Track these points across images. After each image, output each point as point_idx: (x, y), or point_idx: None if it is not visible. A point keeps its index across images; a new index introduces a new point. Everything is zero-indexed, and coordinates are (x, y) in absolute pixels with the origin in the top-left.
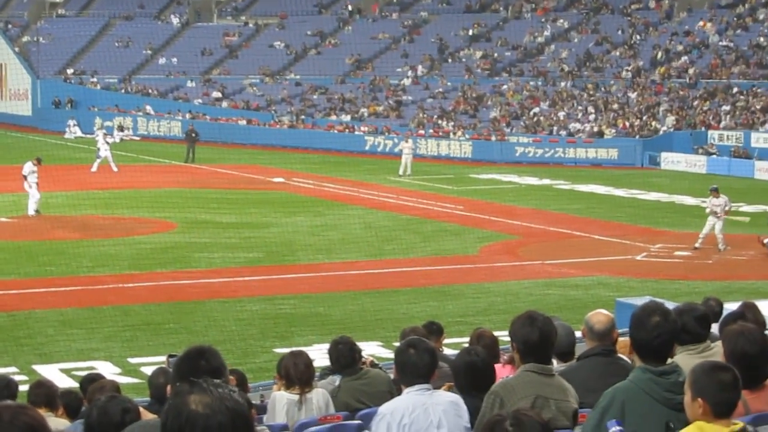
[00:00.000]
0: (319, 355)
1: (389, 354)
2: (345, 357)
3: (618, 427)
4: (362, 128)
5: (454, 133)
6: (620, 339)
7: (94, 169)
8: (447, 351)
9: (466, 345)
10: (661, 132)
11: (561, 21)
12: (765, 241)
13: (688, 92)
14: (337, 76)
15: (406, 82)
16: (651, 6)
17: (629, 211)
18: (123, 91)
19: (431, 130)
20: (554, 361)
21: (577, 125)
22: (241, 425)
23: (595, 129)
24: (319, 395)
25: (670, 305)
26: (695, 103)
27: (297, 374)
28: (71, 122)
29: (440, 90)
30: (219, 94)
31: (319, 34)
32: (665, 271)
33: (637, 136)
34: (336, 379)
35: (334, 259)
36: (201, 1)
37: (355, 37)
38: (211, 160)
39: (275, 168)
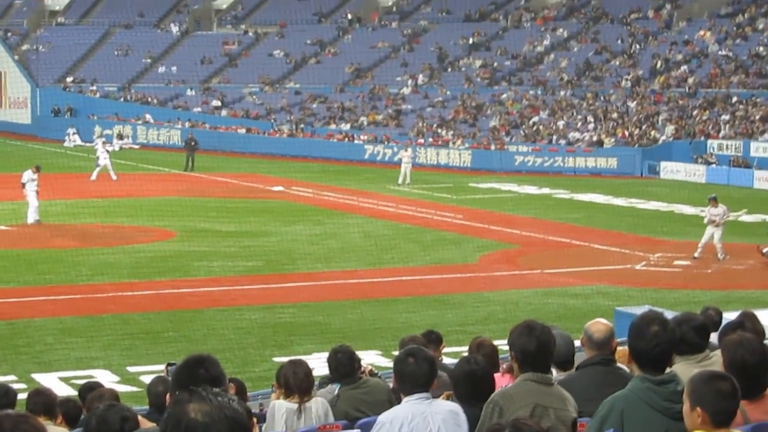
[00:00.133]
0: (319, 364)
1: (388, 363)
2: (344, 366)
3: None
4: (362, 137)
5: (454, 142)
6: (619, 348)
7: (93, 177)
8: (446, 360)
9: (466, 354)
10: (660, 141)
11: (560, 30)
12: (764, 250)
13: (687, 101)
14: (337, 85)
15: (406, 91)
16: (650, 15)
17: (628, 221)
18: (122, 99)
19: (431, 139)
20: (553, 370)
21: (577, 134)
22: None
23: (595, 138)
24: (319, 404)
25: (669, 314)
26: (695, 112)
27: (296, 383)
28: (71, 131)
29: (440, 99)
30: (218, 103)
31: (318, 43)
32: (664, 281)
33: (637, 146)
34: (335, 388)
35: (333, 268)
36: (200, 9)
37: (355, 46)
38: (211, 169)
39: (275, 177)
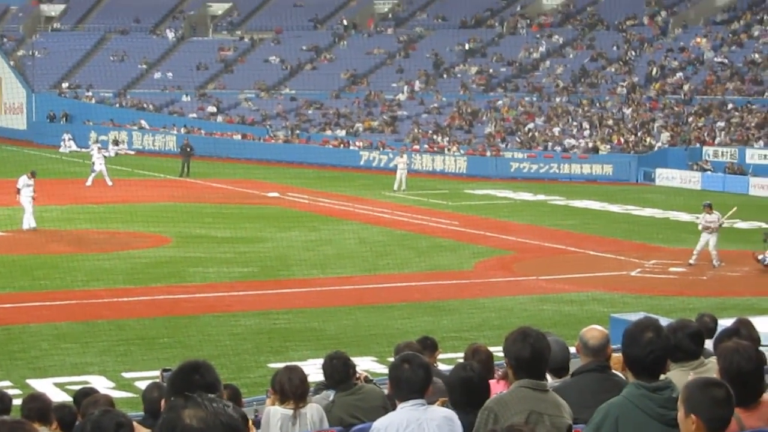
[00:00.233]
0: (314, 370)
1: (383, 369)
2: (339, 372)
3: None
4: (357, 143)
5: (449, 149)
6: (614, 355)
7: (88, 183)
8: (441, 366)
9: (461, 360)
10: (656, 148)
11: (556, 37)
12: (759, 257)
13: (683, 108)
14: (332, 91)
15: (401, 97)
16: (646, 22)
17: (624, 227)
18: (118, 105)
19: (426, 146)
20: (548, 377)
21: (572, 141)
22: None
23: (590, 145)
24: (314, 410)
25: (664, 321)
26: (690, 119)
27: (291, 389)
28: (66, 136)
29: (435, 105)
30: (214, 109)
31: (314, 49)
32: (660, 287)
33: (632, 152)
34: (330, 394)
35: (328, 274)
36: (196, 15)
37: (351, 52)
38: (206, 175)
39: (270, 183)
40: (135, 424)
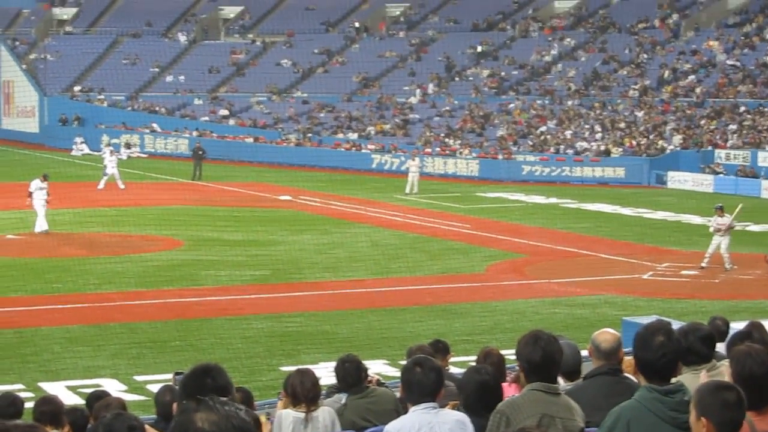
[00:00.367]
0: (326, 373)
1: (395, 372)
2: (351, 375)
3: None
4: (369, 146)
5: (461, 152)
6: (626, 358)
7: (101, 186)
8: (453, 369)
9: (473, 363)
10: (667, 151)
11: (568, 40)
12: None
13: (695, 111)
14: (344, 95)
15: (413, 100)
16: (657, 25)
17: (636, 230)
18: (130, 108)
19: (438, 149)
20: (560, 380)
21: (584, 144)
22: None
23: (602, 148)
24: (326, 413)
25: (676, 324)
26: (702, 122)
27: (303, 392)
28: (78, 139)
29: (447, 108)
30: (226, 112)
31: (326, 52)
32: (672, 290)
33: (644, 155)
34: (342, 398)
35: (340, 277)
36: (208, 18)
37: (362, 55)
38: (218, 178)
39: (282, 186)
40: (147, 427)
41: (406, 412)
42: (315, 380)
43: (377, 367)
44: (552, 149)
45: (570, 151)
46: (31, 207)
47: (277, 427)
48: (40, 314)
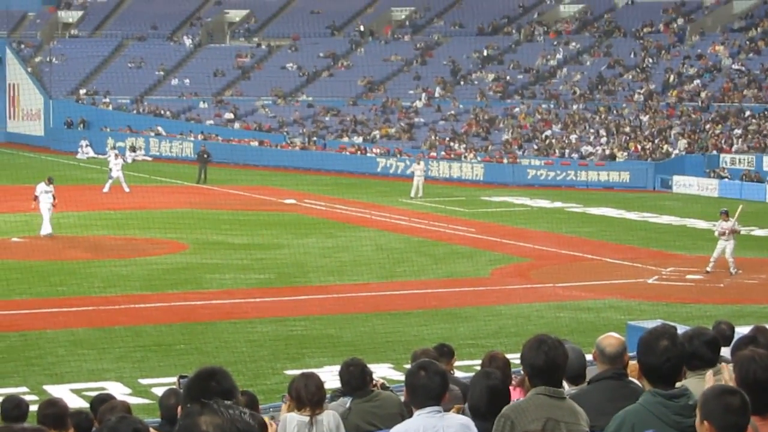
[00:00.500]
0: (330, 377)
1: (400, 376)
2: (356, 379)
3: None
4: (374, 150)
5: (466, 156)
6: (631, 363)
7: (106, 189)
8: (458, 373)
9: (478, 368)
10: (673, 155)
11: (573, 44)
12: None
13: (700, 116)
14: (350, 98)
15: (419, 104)
16: (663, 30)
17: (641, 234)
18: (135, 111)
19: (443, 153)
20: (565, 385)
21: (589, 148)
22: None
23: (607, 152)
24: (330, 417)
25: (681, 329)
26: (707, 126)
27: (308, 396)
28: (83, 143)
29: (452, 112)
30: (231, 116)
31: (331, 56)
32: (677, 295)
33: (649, 159)
34: (347, 401)
35: (345, 281)
36: (213, 22)
37: (368, 59)
38: (223, 181)
39: (287, 189)
40: (152, 430)
41: (410, 416)
42: (319, 384)
43: (382, 371)
44: (557, 153)
45: (575, 156)
46: (37, 210)
47: (281, 431)
48: (45, 317)
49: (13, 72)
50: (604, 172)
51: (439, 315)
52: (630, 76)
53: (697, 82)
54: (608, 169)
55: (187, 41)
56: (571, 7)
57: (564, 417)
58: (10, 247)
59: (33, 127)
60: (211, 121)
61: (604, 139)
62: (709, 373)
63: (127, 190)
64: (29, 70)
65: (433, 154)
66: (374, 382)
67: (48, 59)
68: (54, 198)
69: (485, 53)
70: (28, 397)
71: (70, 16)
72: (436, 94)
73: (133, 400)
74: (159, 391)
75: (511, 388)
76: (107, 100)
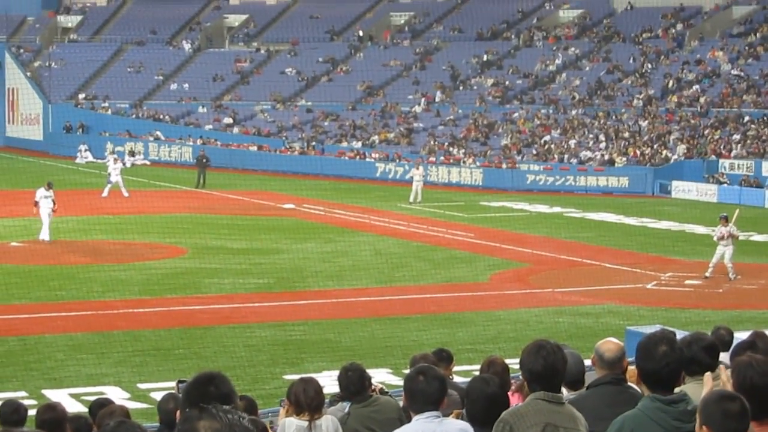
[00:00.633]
0: (329, 381)
1: (399, 381)
2: (355, 384)
3: None
4: (373, 155)
5: (465, 161)
6: (630, 368)
7: (105, 194)
8: (457, 378)
9: (476, 373)
10: (672, 160)
11: (572, 49)
12: None
13: (699, 121)
14: (349, 103)
15: (418, 109)
16: (662, 35)
17: (640, 240)
18: (134, 116)
19: (442, 158)
20: (564, 390)
21: (588, 153)
22: None
23: (606, 157)
24: (329, 422)
25: (680, 334)
26: (706, 131)
27: (307, 400)
28: (82, 147)
29: (451, 117)
30: (230, 120)
31: (330, 60)
32: (675, 300)
33: (648, 165)
34: (345, 406)
35: (344, 286)
36: (213, 27)
37: (367, 64)
38: (222, 186)
39: (286, 194)
40: None
41: (409, 421)
42: (318, 389)
43: (381, 376)
44: (556, 158)
45: (574, 161)
46: (38, 215)
47: None
48: (44, 322)
49: (12, 76)
50: (603, 177)
51: (438, 320)
52: (629, 82)
53: (696, 87)
54: (607, 174)
55: (187, 46)
56: (570, 13)
57: (563, 422)
58: (9, 252)
59: (32, 131)
60: (210, 126)
61: (603, 145)
62: (708, 375)
63: (126, 194)
64: (28, 74)
65: (432, 159)
66: (373, 387)
67: (47, 64)
68: (54, 203)
69: (484, 58)
70: (26, 402)
71: (70, 20)
72: (436, 99)
73: (132, 405)
74: (158, 396)
75: (509, 393)
76: (106, 104)
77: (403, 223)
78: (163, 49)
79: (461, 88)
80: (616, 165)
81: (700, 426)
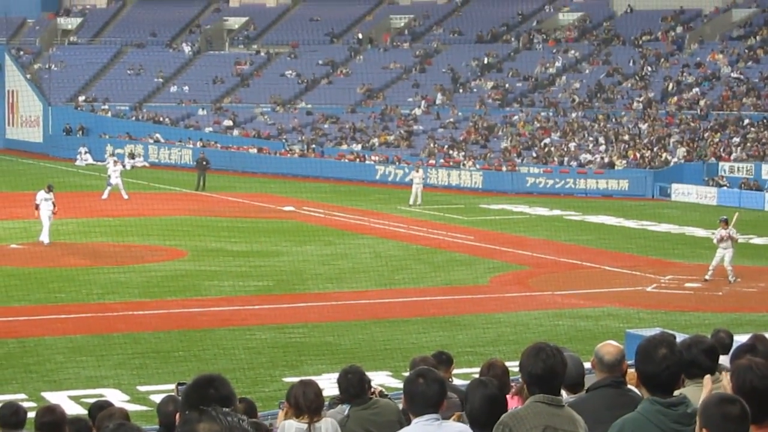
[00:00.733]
0: (329, 384)
1: (398, 384)
2: (354, 386)
3: None
4: (373, 157)
5: (465, 163)
6: (630, 371)
7: (104, 196)
8: (456, 381)
9: (476, 375)
10: (671, 163)
11: (572, 52)
12: None
13: (699, 124)
14: (348, 106)
15: (417, 111)
16: (662, 38)
17: (640, 243)
18: (134, 118)
19: (442, 160)
20: (563, 393)
21: (588, 156)
22: None
23: (606, 160)
24: (328, 424)
25: (680, 337)
26: (706, 134)
27: (306, 403)
28: (82, 149)
29: (451, 120)
30: (230, 123)
31: (330, 63)
32: (675, 303)
33: (648, 168)
34: (345, 409)
35: (344, 288)
36: (213, 29)
37: (367, 66)
38: (222, 188)
39: (286, 197)
40: None
41: (408, 423)
42: (318, 391)
43: (380, 379)
44: (556, 161)
45: (574, 164)
46: (38, 218)
47: None
48: (44, 324)
49: (12, 78)
50: (602, 180)
51: (438, 322)
52: (629, 84)
53: (695, 90)
54: (607, 177)
55: (186, 48)
56: (570, 15)
57: (562, 425)
58: (9, 254)
59: (32, 133)
60: (210, 128)
61: (602, 147)
62: (707, 377)
63: (125, 196)
64: (28, 76)
65: (432, 161)
66: (372, 389)
67: (47, 66)
68: (54, 206)
69: (484, 61)
70: (26, 404)
71: (70, 22)
72: (436, 102)
73: (132, 407)
74: (157, 398)
75: (509, 396)
76: (106, 106)
77: (403, 225)
78: (163, 51)
79: (461, 90)
80: (615, 168)
81: (699, 429)
